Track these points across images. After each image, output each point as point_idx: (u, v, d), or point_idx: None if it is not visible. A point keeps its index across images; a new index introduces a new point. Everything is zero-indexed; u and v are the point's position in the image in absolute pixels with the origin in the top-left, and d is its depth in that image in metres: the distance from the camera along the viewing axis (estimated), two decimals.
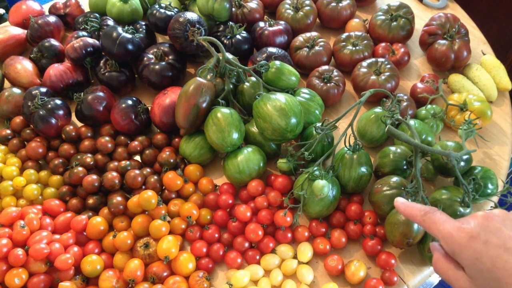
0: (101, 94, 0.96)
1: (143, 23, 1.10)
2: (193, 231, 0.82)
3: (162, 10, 1.05)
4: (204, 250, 0.81)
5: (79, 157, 0.91)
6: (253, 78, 0.92)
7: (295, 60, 1.06)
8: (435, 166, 0.85)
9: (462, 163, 0.81)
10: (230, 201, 0.85)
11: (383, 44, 1.07)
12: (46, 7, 1.26)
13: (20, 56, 1.09)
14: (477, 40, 1.15)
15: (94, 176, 0.86)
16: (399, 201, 0.56)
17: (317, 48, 1.05)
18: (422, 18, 1.19)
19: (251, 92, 0.92)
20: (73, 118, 1.02)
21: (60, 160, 0.92)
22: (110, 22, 1.12)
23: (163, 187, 0.89)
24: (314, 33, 1.07)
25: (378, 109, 0.90)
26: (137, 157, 0.95)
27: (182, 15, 0.97)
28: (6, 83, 1.09)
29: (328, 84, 0.98)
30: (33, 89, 0.96)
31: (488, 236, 0.44)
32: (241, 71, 0.92)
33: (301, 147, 0.86)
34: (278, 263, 0.80)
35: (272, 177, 0.89)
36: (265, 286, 0.77)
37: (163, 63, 1.00)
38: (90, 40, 1.02)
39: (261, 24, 1.09)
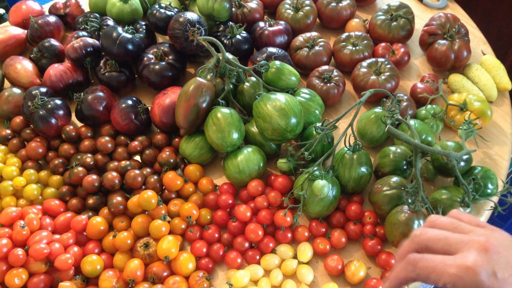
0: (101, 94, 0.96)
1: (143, 23, 1.10)
2: (193, 231, 0.82)
3: (162, 10, 1.05)
4: (204, 250, 0.81)
5: (79, 157, 0.91)
6: (253, 78, 0.92)
7: (295, 60, 1.06)
8: (435, 166, 0.85)
9: (462, 163, 0.81)
10: (230, 201, 0.85)
11: (383, 44, 1.07)
12: (46, 7, 1.26)
13: (20, 56, 1.09)
14: (477, 40, 1.15)
15: (94, 176, 0.86)
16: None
17: (317, 48, 1.05)
18: (422, 18, 1.19)
19: (251, 92, 0.92)
20: (73, 118, 1.02)
21: (60, 160, 0.92)
22: (110, 22, 1.12)
23: (163, 187, 0.89)
24: (314, 33, 1.07)
25: (378, 109, 0.90)
26: (137, 157, 0.95)
27: (182, 15, 0.97)
28: (6, 83, 1.09)
29: (328, 84, 0.98)
30: (33, 89, 0.96)
31: (496, 268, 0.40)
32: (241, 71, 0.92)
33: (301, 147, 0.86)
34: (278, 263, 0.80)
35: (272, 177, 0.89)
36: (265, 286, 0.77)
37: (163, 63, 1.00)
38: (90, 40, 1.02)
39: (261, 24, 1.09)
